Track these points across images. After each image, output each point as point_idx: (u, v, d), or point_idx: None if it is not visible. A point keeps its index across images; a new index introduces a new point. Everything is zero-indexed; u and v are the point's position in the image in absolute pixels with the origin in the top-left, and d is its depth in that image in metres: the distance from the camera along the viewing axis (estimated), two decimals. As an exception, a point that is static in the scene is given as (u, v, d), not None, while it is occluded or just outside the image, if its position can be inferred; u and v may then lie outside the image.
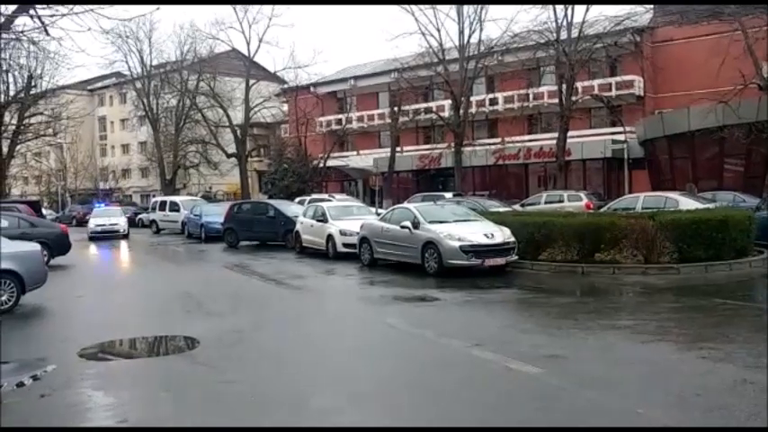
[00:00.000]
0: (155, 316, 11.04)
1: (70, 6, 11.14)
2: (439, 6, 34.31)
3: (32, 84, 36.00)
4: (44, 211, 34.40)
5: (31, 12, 11.65)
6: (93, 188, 66.21)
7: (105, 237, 29.96)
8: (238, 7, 46.89)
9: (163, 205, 34.93)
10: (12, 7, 11.84)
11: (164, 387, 6.77)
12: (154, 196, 51.07)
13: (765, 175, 27.61)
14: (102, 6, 10.95)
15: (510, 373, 6.59)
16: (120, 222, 31.56)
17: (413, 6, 34.52)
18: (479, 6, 33.92)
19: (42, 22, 11.70)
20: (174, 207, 33.69)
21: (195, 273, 18.19)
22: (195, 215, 29.11)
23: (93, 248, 25.74)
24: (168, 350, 8.74)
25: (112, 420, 5.71)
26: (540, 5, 29.95)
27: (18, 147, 40.38)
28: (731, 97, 23.21)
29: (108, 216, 32.16)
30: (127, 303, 12.98)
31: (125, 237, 30.63)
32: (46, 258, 14.69)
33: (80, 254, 21.35)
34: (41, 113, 39.84)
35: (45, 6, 11.42)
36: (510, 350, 7.40)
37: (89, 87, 68.80)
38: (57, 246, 18.52)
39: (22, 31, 13.14)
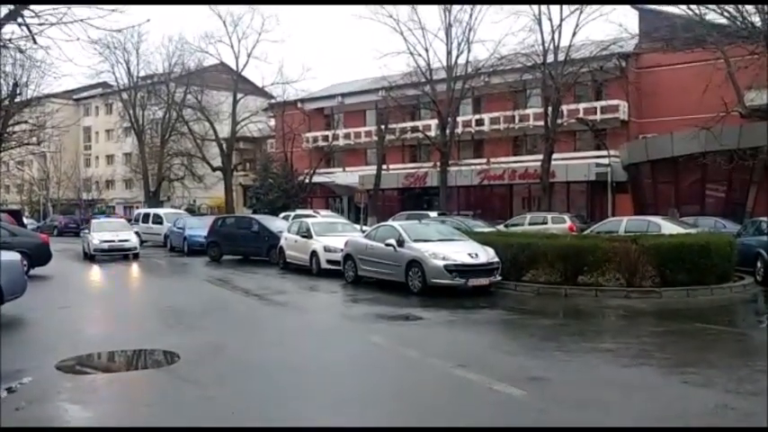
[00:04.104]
0: (135, 329, 10.90)
1: (60, 15, 11.11)
2: (428, 27, 34.79)
3: (18, 91, 35.67)
4: (25, 221, 34.05)
5: (20, 20, 11.59)
6: (75, 198, 65.59)
7: (113, 256, 24.80)
8: (228, 21, 47.49)
9: (146, 217, 34.65)
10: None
11: (143, 402, 6.67)
12: (137, 208, 50.73)
13: (746, 201, 28.05)
14: (95, 7, 10.90)
15: (493, 395, 6.56)
16: (131, 239, 25.52)
17: (402, 26, 35.06)
18: (467, 28, 34.36)
19: (30, 31, 11.64)
20: (158, 219, 33.42)
21: (177, 286, 18.02)
22: (178, 228, 28.89)
23: (75, 260, 25.33)
24: (148, 364, 8.64)
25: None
26: (525, 14, 30.41)
27: (0, 155, 39.96)
28: (714, 124, 23.54)
29: (114, 230, 25.94)
30: (107, 316, 12.82)
31: (136, 257, 25.03)
32: (26, 268, 14.49)
33: (61, 265, 21.06)
34: (26, 122, 39.46)
35: (33, 15, 11.38)
36: (493, 371, 7.38)
37: (75, 97, 68.38)
38: (37, 256, 18.27)
39: (9, 39, 13.06)
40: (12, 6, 11.13)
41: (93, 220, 30.38)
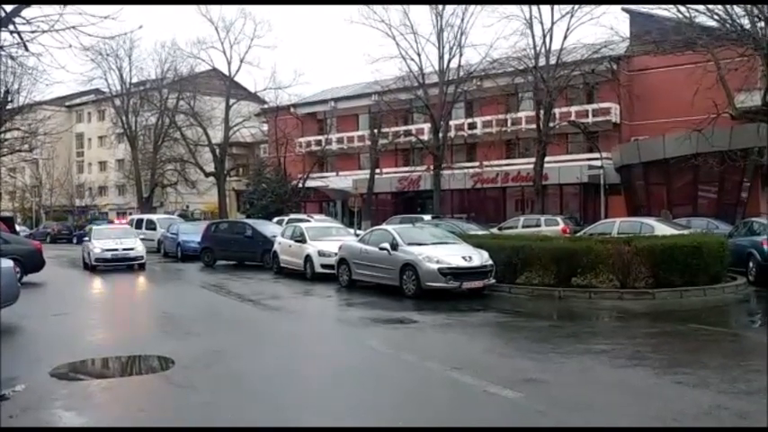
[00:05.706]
0: (129, 335, 10.88)
1: (51, 23, 11.06)
2: (420, 31, 34.85)
3: (9, 99, 35.53)
4: (17, 228, 33.88)
5: (11, 27, 11.53)
6: (68, 205, 65.35)
7: (116, 266, 22.62)
8: (220, 27, 47.44)
9: (139, 223, 34.49)
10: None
11: (137, 407, 6.65)
12: (130, 214, 50.57)
13: (738, 201, 28.21)
14: (87, 15, 10.84)
15: (489, 397, 6.58)
16: (137, 247, 23.03)
17: (394, 30, 34.99)
18: (459, 32, 34.39)
19: (22, 39, 11.57)
20: (151, 225, 33.38)
21: (171, 292, 17.98)
22: (172, 234, 28.82)
23: (69, 268, 25.20)
24: (142, 370, 8.61)
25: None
26: (516, 18, 30.56)
27: (-7, 162, 39.86)
28: (705, 126, 23.64)
29: (118, 238, 23.47)
30: (101, 322, 12.78)
31: (142, 267, 22.88)
32: (18, 275, 14.42)
33: (55, 273, 20.99)
34: (18, 129, 39.33)
35: (25, 22, 11.33)
36: (489, 374, 7.40)
37: (67, 103, 68.20)
38: (30, 263, 18.21)
39: (1, 47, 12.99)
40: (10, 7, 11.05)
41: (94, 227, 28.34)
